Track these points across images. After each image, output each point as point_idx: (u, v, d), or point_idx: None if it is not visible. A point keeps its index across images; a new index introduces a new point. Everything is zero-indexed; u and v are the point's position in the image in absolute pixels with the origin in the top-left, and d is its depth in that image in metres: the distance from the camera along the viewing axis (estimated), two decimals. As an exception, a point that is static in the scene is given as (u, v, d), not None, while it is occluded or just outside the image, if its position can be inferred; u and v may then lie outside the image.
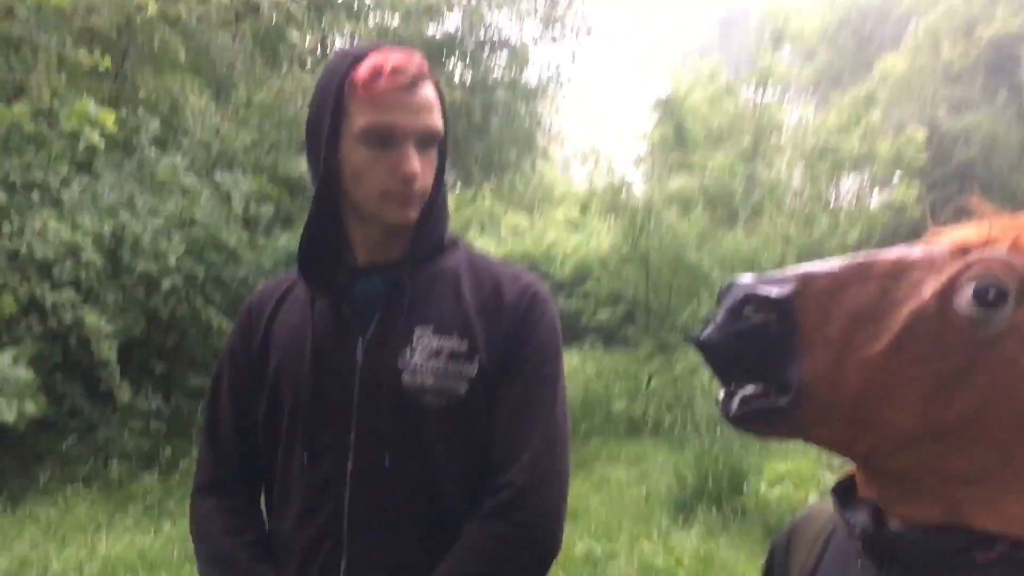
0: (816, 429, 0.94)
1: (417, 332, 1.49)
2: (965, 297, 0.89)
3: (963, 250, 0.92)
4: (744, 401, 0.94)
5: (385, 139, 1.44)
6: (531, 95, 11.90)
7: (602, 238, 15.28)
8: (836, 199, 15.72)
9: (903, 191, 13.33)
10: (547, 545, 1.47)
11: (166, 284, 6.82)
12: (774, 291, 0.92)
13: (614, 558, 5.40)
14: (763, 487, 6.22)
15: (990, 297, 0.88)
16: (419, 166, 1.46)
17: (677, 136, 14.58)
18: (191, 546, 1.63)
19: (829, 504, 1.11)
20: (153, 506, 6.26)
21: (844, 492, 1.04)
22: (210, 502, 1.63)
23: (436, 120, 1.49)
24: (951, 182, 17.81)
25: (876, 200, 15.26)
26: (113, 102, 7.20)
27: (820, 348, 0.91)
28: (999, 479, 0.91)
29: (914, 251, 0.95)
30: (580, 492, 6.83)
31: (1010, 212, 0.96)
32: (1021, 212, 0.96)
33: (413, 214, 1.50)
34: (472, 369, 1.48)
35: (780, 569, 1.16)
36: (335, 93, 1.47)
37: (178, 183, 7.06)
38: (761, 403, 0.93)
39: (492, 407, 1.49)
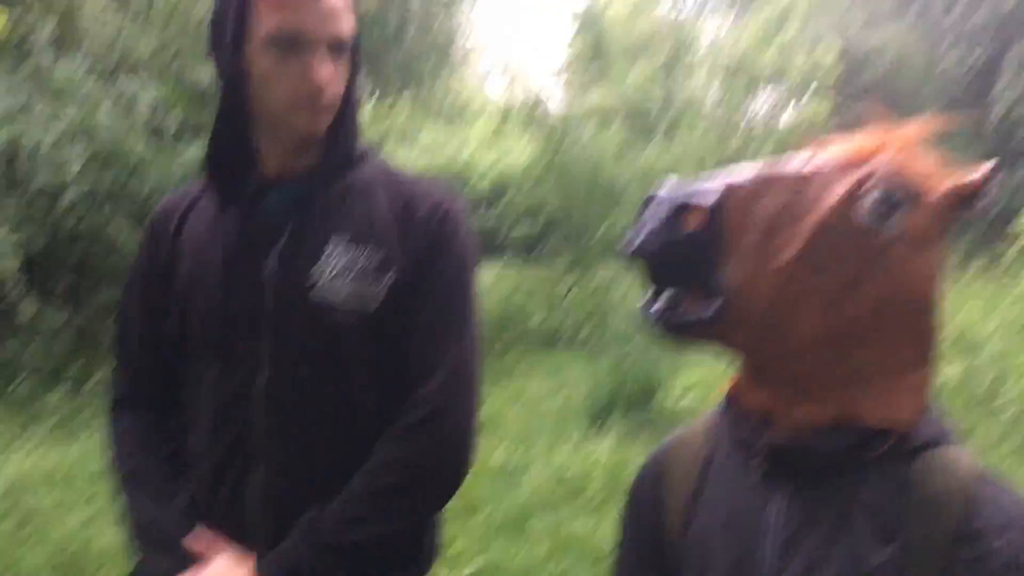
0: (733, 334, 0.99)
1: (329, 245, 1.47)
2: (863, 206, 0.95)
3: (856, 162, 0.98)
4: (672, 307, 0.98)
5: (293, 45, 1.38)
6: (448, 4, 11.58)
7: (520, 152, 15.18)
8: (751, 114, 15.88)
9: (816, 106, 13.53)
10: (460, 461, 1.49)
11: (68, 196, 6.54)
12: (705, 200, 0.96)
13: (530, 467, 5.52)
14: (674, 396, 6.41)
15: (886, 205, 0.95)
16: (329, 74, 1.40)
17: (596, 49, 14.44)
18: (104, 461, 1.62)
19: (695, 427, 1.18)
20: (64, 422, 6.13)
21: (732, 399, 1.09)
22: (124, 418, 1.62)
23: (347, 24, 1.43)
24: (862, 97, 18.14)
25: (790, 115, 15.46)
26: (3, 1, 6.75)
27: (741, 255, 0.95)
28: (888, 376, 0.99)
29: (813, 162, 1.00)
30: (497, 403, 6.93)
31: (897, 121, 1.03)
32: (904, 122, 1.02)
33: (323, 124, 1.45)
34: (387, 281, 1.46)
35: (650, 505, 1.16)
36: None
37: (77, 90, 6.70)
38: (689, 310, 0.97)
39: (406, 322, 1.48)
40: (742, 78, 14.07)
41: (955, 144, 0.99)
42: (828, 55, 13.37)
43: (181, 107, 7.61)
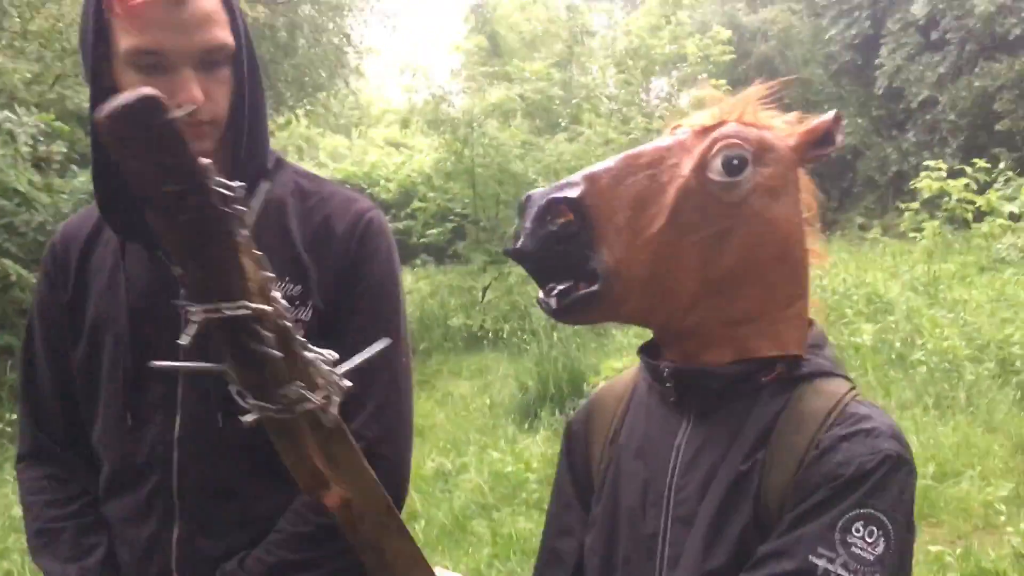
0: (623, 307, 1.08)
1: None
2: (715, 168, 1.07)
3: (704, 131, 1.10)
4: (561, 296, 1.06)
5: (154, 64, 1.24)
6: (337, 9, 11.41)
7: (425, 155, 15.07)
8: (649, 100, 16.10)
9: (712, 87, 13.82)
10: (399, 494, 1.40)
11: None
12: (570, 194, 1.04)
13: (464, 470, 5.45)
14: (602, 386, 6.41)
15: (734, 164, 1.07)
16: (200, 92, 1.26)
17: (492, 45, 14.43)
18: (15, 514, 1.49)
19: (624, 376, 1.31)
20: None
21: (650, 351, 1.20)
22: (33, 471, 1.49)
23: (218, 34, 1.28)
24: (753, 77, 18.62)
25: (687, 98, 15.73)
26: None
27: (613, 236, 1.05)
28: (771, 312, 1.11)
29: (667, 140, 1.12)
30: (425, 409, 6.84)
31: (734, 95, 1.16)
32: (742, 93, 1.16)
33: (205, 145, 1.30)
34: (305, 313, 1.36)
35: (580, 442, 1.28)
36: (94, 10, 1.26)
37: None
38: (575, 295, 1.05)
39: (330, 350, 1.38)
40: (638, 65, 14.24)
41: (847, 113, 1.04)
42: (719, 38, 13.60)
43: (65, 135, 7.29)
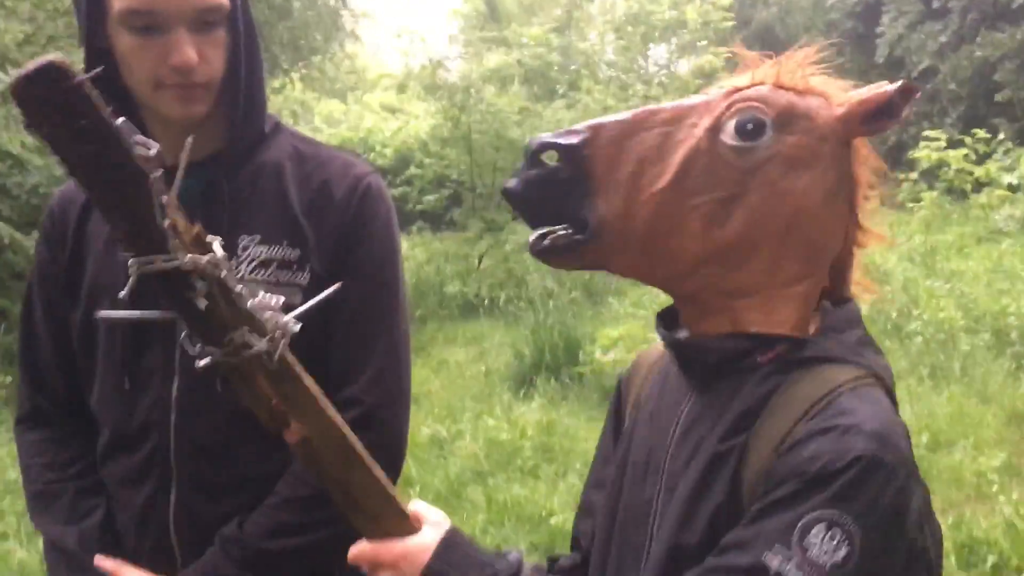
0: (615, 259, 1.07)
1: (242, 242, 1.35)
2: (728, 131, 1.02)
3: (734, 92, 1.05)
4: (550, 239, 1.05)
5: (148, 23, 1.23)
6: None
7: (421, 121, 14.98)
8: (648, 67, 15.99)
9: (712, 55, 13.73)
10: (396, 461, 1.41)
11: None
12: (564, 140, 1.03)
13: (459, 437, 5.46)
14: (597, 354, 6.42)
15: (749, 129, 1.02)
16: (195, 53, 1.25)
17: (490, 10, 14.29)
18: (10, 477, 1.49)
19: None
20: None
21: (671, 318, 1.16)
22: (32, 435, 1.51)
23: None
24: (753, 44, 18.49)
25: (686, 66, 15.63)
26: None
27: (612, 189, 1.02)
28: (770, 289, 1.06)
29: (693, 99, 1.08)
30: (421, 376, 6.84)
31: (776, 56, 1.10)
32: (786, 54, 1.09)
33: (199, 108, 1.30)
34: (304, 278, 1.35)
35: (622, 398, 1.29)
36: None
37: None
38: (562, 238, 1.04)
39: (328, 315, 1.36)
40: (637, 31, 14.11)
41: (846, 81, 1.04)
42: (720, 4, 13.47)
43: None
